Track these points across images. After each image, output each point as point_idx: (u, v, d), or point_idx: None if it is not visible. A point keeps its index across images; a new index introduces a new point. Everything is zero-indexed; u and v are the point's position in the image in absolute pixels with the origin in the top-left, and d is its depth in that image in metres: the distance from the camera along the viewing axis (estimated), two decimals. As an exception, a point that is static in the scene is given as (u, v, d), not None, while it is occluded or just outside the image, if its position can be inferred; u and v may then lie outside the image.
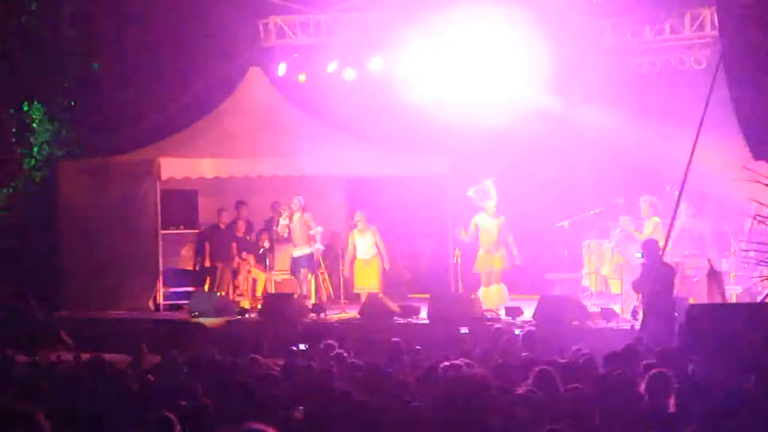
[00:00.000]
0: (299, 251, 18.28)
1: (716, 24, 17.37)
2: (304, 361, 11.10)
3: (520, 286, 18.39)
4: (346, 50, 20.87)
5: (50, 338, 16.74)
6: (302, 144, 19.63)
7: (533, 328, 13.87)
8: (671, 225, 14.37)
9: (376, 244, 17.97)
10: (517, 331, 13.83)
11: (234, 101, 20.57)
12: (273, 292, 18.60)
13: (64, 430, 7.88)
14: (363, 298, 17.27)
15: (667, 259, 14.22)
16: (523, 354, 11.03)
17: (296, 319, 16.63)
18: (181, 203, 19.42)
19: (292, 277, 18.64)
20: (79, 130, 21.64)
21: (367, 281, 17.79)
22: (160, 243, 18.50)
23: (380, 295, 17.09)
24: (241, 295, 18.90)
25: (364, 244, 17.95)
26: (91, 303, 18.55)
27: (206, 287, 18.76)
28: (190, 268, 19.40)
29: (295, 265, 18.35)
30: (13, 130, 18.67)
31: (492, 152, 19.94)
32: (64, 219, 19.61)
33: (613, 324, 15.01)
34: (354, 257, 18.02)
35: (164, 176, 18.37)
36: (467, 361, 9.73)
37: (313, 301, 18.15)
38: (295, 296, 17.64)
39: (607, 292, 17.18)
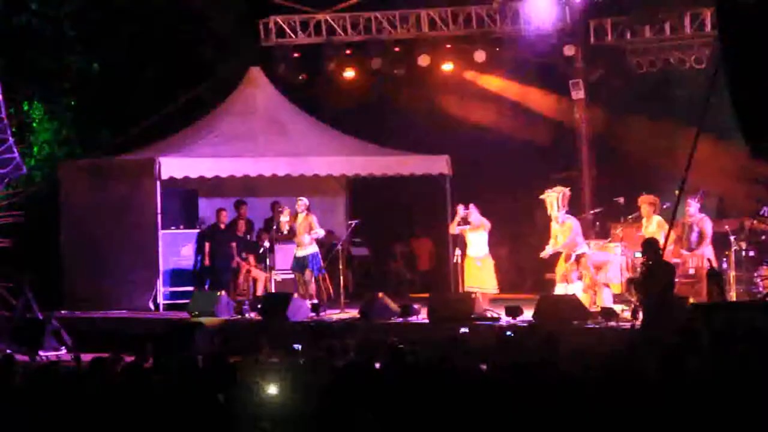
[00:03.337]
0: (303, 251, 18.25)
1: (716, 24, 17.37)
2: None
3: (520, 287, 18.40)
4: (346, 50, 20.90)
5: (50, 338, 16.74)
6: (302, 144, 19.65)
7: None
8: (671, 225, 14.37)
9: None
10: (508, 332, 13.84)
11: (234, 101, 20.57)
12: (273, 291, 18.60)
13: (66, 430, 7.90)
14: (477, 297, 16.39)
15: (666, 258, 14.23)
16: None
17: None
18: (181, 203, 19.43)
19: (295, 276, 18.59)
20: (79, 130, 21.64)
21: (480, 280, 16.98)
22: (160, 243, 18.50)
23: (380, 294, 17.05)
24: (241, 294, 18.90)
25: (477, 242, 17.11)
26: (91, 303, 18.54)
27: (206, 287, 18.76)
28: (190, 267, 19.41)
29: (298, 264, 18.32)
30: (13, 129, 18.66)
31: (492, 152, 19.98)
32: (64, 219, 19.61)
33: (613, 323, 14.99)
34: (463, 255, 17.19)
35: (164, 176, 18.37)
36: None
37: (313, 300, 18.12)
38: (295, 296, 17.61)
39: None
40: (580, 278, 16.36)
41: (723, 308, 13.46)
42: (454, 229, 17.09)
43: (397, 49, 20.70)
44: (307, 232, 18.15)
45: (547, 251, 16.55)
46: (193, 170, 18.77)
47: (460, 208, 17.08)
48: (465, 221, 17.04)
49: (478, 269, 16.98)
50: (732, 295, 15.49)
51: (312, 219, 18.14)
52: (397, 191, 21.22)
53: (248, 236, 19.51)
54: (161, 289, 18.56)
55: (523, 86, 20.21)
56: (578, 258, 16.35)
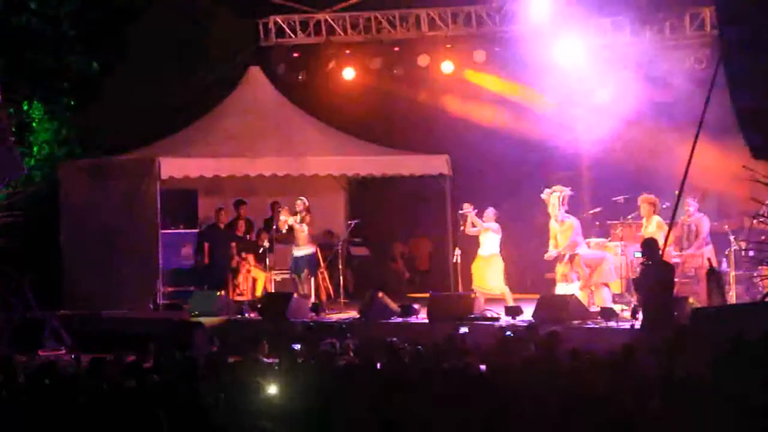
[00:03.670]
0: (301, 251, 18.28)
1: (716, 23, 17.37)
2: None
3: (520, 286, 18.39)
4: (346, 50, 20.90)
5: (50, 338, 16.74)
6: (302, 144, 19.65)
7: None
8: (671, 225, 14.37)
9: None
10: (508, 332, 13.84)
11: (234, 101, 20.57)
12: (273, 291, 18.61)
13: (65, 430, 7.90)
14: (480, 299, 16.55)
15: (666, 258, 14.23)
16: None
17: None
18: (181, 203, 19.43)
19: (292, 276, 18.62)
20: (79, 130, 21.63)
21: (481, 280, 17.04)
22: (160, 243, 18.50)
23: (380, 294, 17.05)
24: (240, 294, 18.90)
25: (486, 242, 17.14)
26: (91, 303, 18.54)
27: (206, 287, 18.75)
28: (190, 267, 19.41)
29: (297, 264, 18.35)
30: (13, 129, 18.66)
31: (492, 152, 19.97)
32: (64, 219, 19.61)
33: (612, 323, 15.01)
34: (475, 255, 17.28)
35: (164, 176, 18.37)
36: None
37: (313, 300, 18.13)
38: (295, 296, 17.63)
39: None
40: (579, 278, 16.39)
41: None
42: (468, 231, 17.16)
43: (396, 48, 20.70)
44: (307, 232, 18.20)
45: (551, 254, 16.58)
46: (193, 170, 18.77)
47: (468, 208, 17.11)
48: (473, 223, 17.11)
49: (481, 269, 17.05)
50: (732, 295, 15.49)
51: (308, 219, 18.17)
52: (397, 191, 21.22)
53: (248, 236, 19.52)
54: (161, 289, 18.55)
55: (523, 86, 20.19)
56: (571, 258, 16.40)
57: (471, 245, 17.46)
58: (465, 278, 17.42)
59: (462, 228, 17.27)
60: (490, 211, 17.13)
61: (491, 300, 16.97)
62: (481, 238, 17.13)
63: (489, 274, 17.00)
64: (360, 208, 21.39)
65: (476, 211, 17.12)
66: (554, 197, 16.51)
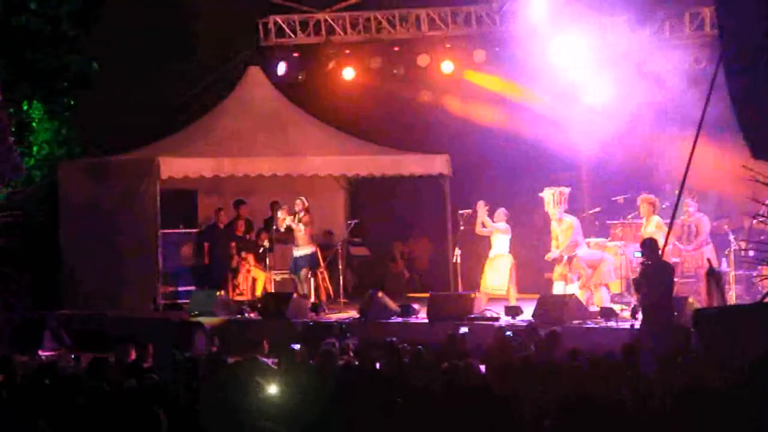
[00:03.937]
0: (301, 251, 18.30)
1: (716, 23, 17.37)
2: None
3: (520, 286, 18.39)
4: (346, 50, 20.91)
5: (50, 338, 16.73)
6: (302, 143, 19.65)
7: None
8: (671, 224, 14.38)
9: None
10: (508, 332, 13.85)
11: (234, 101, 20.57)
12: (273, 291, 18.61)
13: (65, 430, 7.90)
14: (480, 299, 16.58)
15: (666, 257, 14.22)
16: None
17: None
18: (181, 203, 19.43)
19: (293, 277, 18.63)
20: (79, 130, 21.63)
21: (485, 281, 17.12)
22: (160, 242, 18.50)
23: (379, 294, 17.06)
24: (240, 294, 18.91)
25: (495, 243, 17.23)
26: (91, 303, 18.54)
27: (206, 287, 18.75)
28: (190, 267, 19.41)
29: (296, 264, 18.36)
30: (13, 129, 18.65)
31: (491, 152, 19.98)
32: (64, 219, 19.61)
33: (612, 323, 15.01)
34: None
35: (164, 176, 18.36)
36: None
37: (312, 300, 18.14)
38: (295, 296, 17.64)
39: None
40: (579, 278, 16.40)
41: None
42: (479, 231, 17.21)
43: (396, 48, 20.72)
44: (306, 232, 18.20)
45: (554, 254, 16.58)
46: (193, 170, 18.76)
47: (481, 205, 17.15)
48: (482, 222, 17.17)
49: (485, 270, 17.13)
50: (732, 295, 15.50)
51: (307, 219, 18.18)
52: (396, 191, 21.22)
53: (247, 236, 19.52)
54: (161, 289, 18.55)
55: (522, 86, 20.20)
56: (570, 259, 16.41)
57: (471, 245, 17.48)
58: (465, 278, 17.44)
59: (462, 227, 17.29)
60: (501, 212, 17.21)
61: (492, 300, 16.99)
62: (492, 238, 17.21)
63: (491, 274, 17.04)
64: (360, 208, 21.39)
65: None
66: (548, 194, 16.55)
